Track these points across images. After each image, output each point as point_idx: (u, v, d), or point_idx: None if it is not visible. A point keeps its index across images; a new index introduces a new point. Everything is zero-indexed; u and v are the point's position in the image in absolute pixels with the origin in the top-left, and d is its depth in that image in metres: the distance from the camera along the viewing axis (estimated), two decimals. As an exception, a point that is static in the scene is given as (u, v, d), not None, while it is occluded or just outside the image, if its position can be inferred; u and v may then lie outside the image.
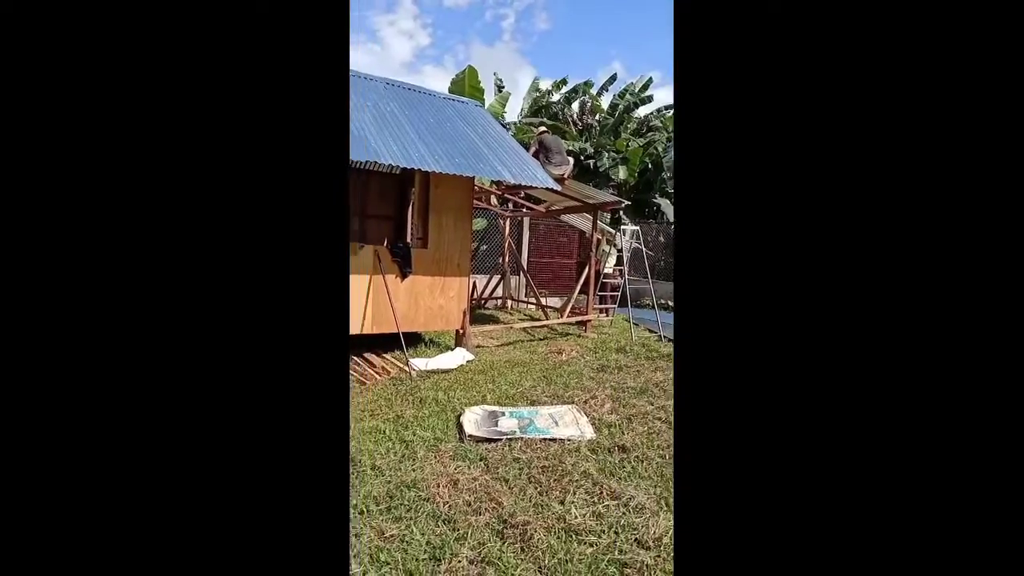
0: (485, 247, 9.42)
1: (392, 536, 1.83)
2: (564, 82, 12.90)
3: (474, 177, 4.87)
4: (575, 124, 12.97)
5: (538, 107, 12.78)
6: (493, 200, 8.89)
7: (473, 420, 2.98)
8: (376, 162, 4.01)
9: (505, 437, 2.74)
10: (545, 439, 2.76)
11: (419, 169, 4.18)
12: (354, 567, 1.67)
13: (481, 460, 2.50)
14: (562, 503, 2.10)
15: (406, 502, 2.06)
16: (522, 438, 2.75)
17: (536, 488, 2.23)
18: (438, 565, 1.69)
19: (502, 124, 8.27)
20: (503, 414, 3.11)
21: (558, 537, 1.86)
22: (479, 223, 8.96)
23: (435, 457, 2.51)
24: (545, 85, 13.13)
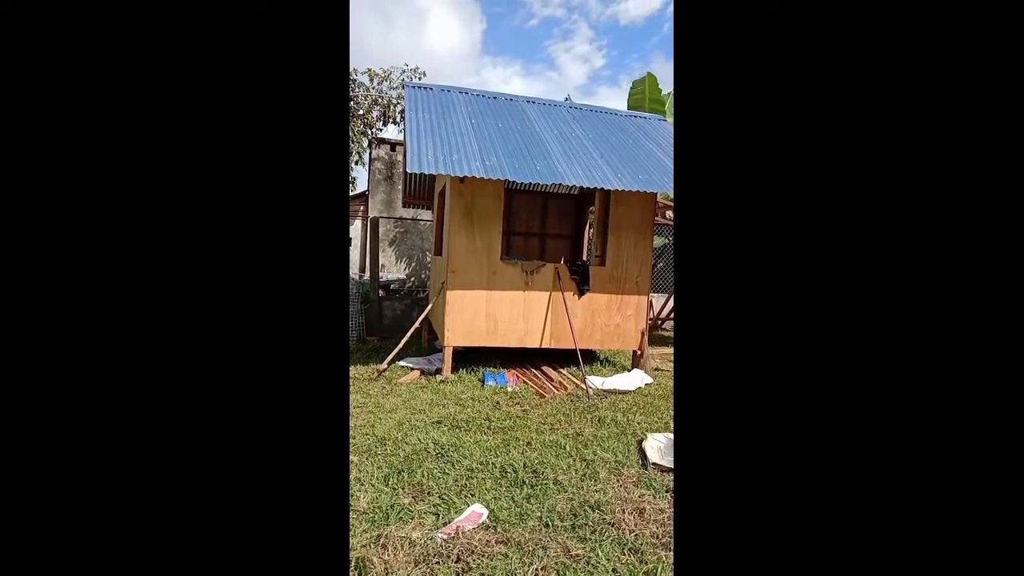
0: (661, 264, 9.01)
1: (578, 556, 1.81)
2: None
3: (656, 193, 4.71)
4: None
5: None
6: (669, 215, 8.48)
7: (656, 448, 2.82)
8: (558, 184, 4.15)
9: (693, 470, 2.53)
10: (741, 479, 2.46)
11: (600, 188, 4.20)
12: (542, 579, 1.69)
13: (667, 492, 2.34)
14: (767, 557, 1.84)
15: (590, 523, 2.02)
16: (713, 474, 2.50)
17: (733, 534, 1.99)
18: (626, 597, 1.61)
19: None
20: (690, 445, 2.88)
21: (765, 597, 1.62)
22: (659, 240, 8.63)
23: (617, 481, 2.43)
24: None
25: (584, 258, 6.86)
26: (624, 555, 1.83)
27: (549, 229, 7.34)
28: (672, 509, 2.17)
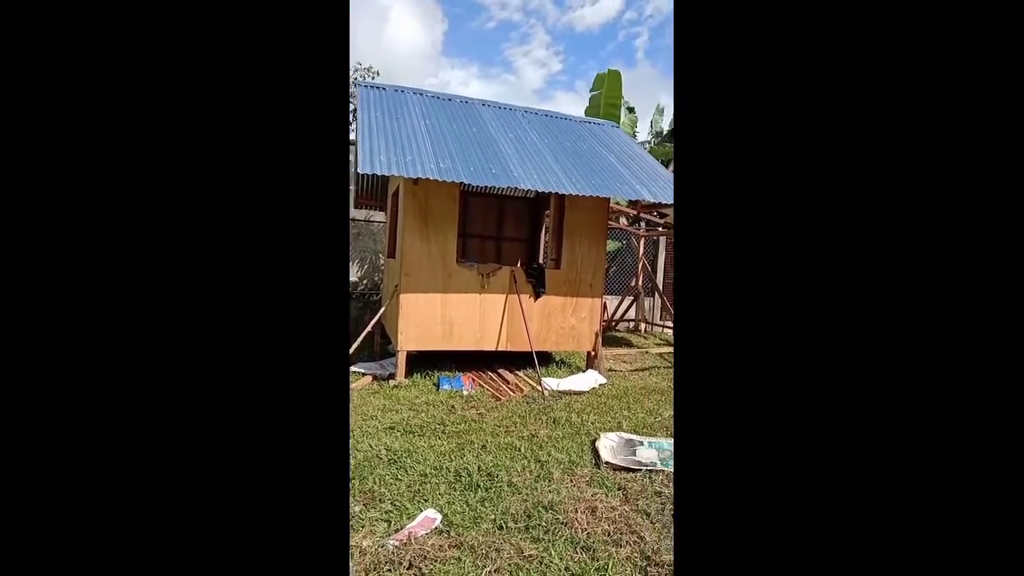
0: (614, 268, 9.23)
1: (531, 556, 1.81)
2: None
3: (609, 199, 4.82)
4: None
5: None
6: (622, 220, 8.70)
7: (609, 447, 2.88)
8: (514, 187, 4.18)
9: (644, 468, 2.59)
10: (689, 475, 2.55)
11: (555, 192, 4.26)
12: (495, 582, 1.69)
13: (619, 489, 2.39)
14: (712, 549, 1.90)
15: (543, 523, 2.03)
16: (663, 471, 2.58)
17: (681, 528, 2.06)
18: (578, 595, 1.63)
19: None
20: (641, 444, 2.95)
21: (710, 587, 1.68)
22: (612, 243, 8.82)
23: (571, 480, 2.46)
24: (659, 99, 12.60)
25: (540, 261, 6.92)
26: (577, 553, 1.85)
27: (505, 232, 7.37)
28: (623, 507, 2.22)
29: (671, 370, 5.42)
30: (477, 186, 5.23)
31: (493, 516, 2.08)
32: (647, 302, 8.63)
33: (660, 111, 12.70)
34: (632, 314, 8.47)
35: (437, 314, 4.41)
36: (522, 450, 2.84)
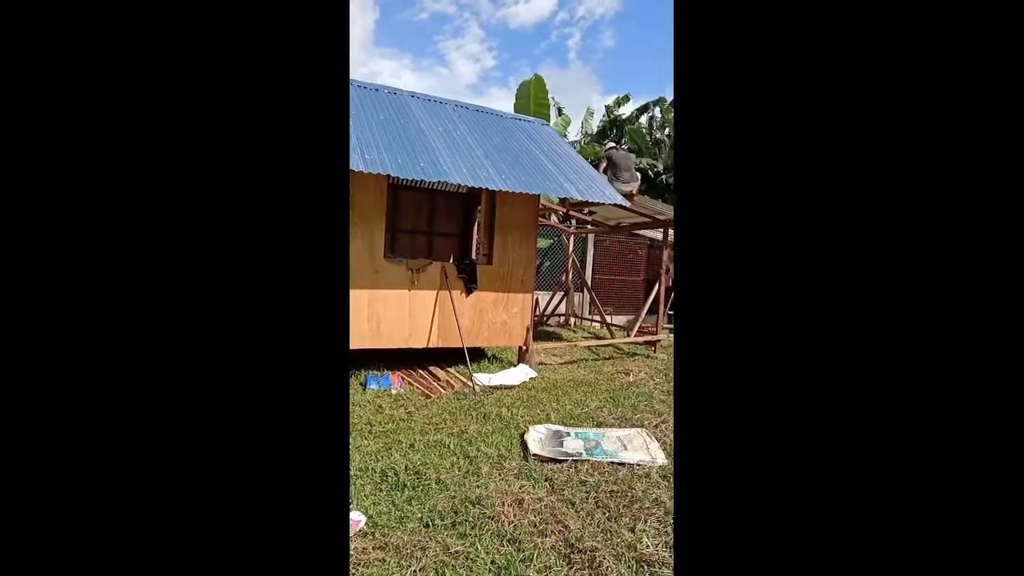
0: (548, 263, 9.40)
1: (457, 552, 1.80)
2: (627, 98, 12.77)
3: (539, 195, 4.89)
4: (645, 139, 12.75)
5: (607, 125, 12.72)
6: (553, 218, 8.88)
7: (537, 439, 2.92)
8: (445, 182, 4.13)
9: (571, 458, 2.66)
10: (613, 463, 2.65)
11: (486, 188, 4.25)
12: (419, 581, 1.66)
13: (546, 481, 2.43)
14: (632, 531, 1.99)
15: (471, 518, 2.03)
16: (588, 460, 2.65)
17: (604, 513, 2.13)
18: (503, 587, 1.64)
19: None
20: (568, 434, 3.03)
21: (628, 567, 1.76)
22: (544, 241, 8.96)
23: (499, 475, 2.47)
24: (607, 102, 13.08)
25: (472, 257, 6.89)
26: (503, 546, 1.86)
27: (437, 227, 7.27)
28: (549, 497, 2.26)
29: (598, 362, 5.60)
30: (408, 180, 5.10)
31: (420, 515, 2.05)
32: (576, 297, 8.87)
33: (591, 113, 13.07)
34: (563, 309, 8.66)
35: (364, 311, 4.27)
36: (451, 447, 2.82)
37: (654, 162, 11.80)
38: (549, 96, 10.22)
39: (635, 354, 6.21)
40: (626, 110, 12.86)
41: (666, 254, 6.67)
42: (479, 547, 1.83)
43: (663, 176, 11.67)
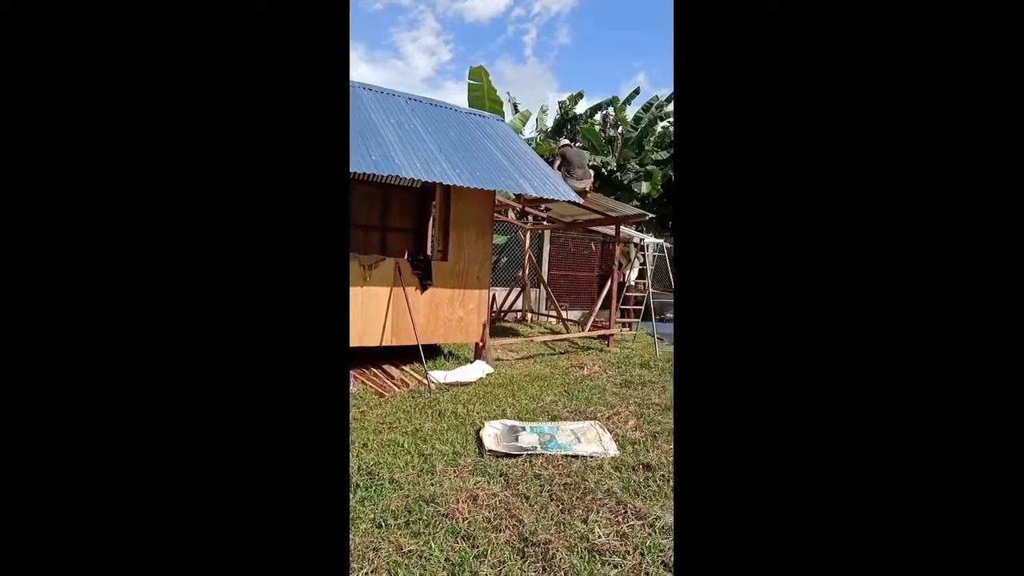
0: (506, 259, 9.42)
1: (410, 551, 1.78)
2: (580, 95, 12.94)
3: (495, 191, 4.88)
4: (599, 137, 12.98)
5: (562, 122, 12.85)
6: (510, 214, 8.90)
7: (493, 435, 2.93)
8: (398, 176, 4.05)
9: (526, 453, 2.68)
10: (567, 455, 2.69)
11: (440, 183, 4.20)
12: (371, 583, 1.63)
13: (501, 476, 2.44)
14: (585, 522, 2.03)
15: (425, 517, 2.01)
16: (543, 454, 2.69)
17: (558, 506, 2.16)
18: (457, 584, 1.64)
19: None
20: (523, 429, 3.05)
21: (581, 557, 1.79)
22: (500, 237, 8.97)
23: (454, 472, 2.46)
24: (561, 98, 13.20)
25: (428, 253, 6.81)
26: (457, 543, 1.85)
27: (391, 222, 7.14)
28: (504, 492, 2.27)
29: (554, 357, 5.68)
30: (360, 174, 4.97)
31: (372, 515, 2.01)
32: (533, 293, 8.94)
33: (544, 111, 13.15)
34: (520, 305, 8.71)
35: (315, 309, 4.13)
36: (405, 445, 2.78)
37: (607, 160, 12.03)
38: (501, 92, 10.22)
39: (589, 348, 6.33)
40: (580, 108, 13.03)
41: (618, 250, 6.82)
42: (433, 545, 1.82)
43: (616, 174, 11.92)
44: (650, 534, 1.95)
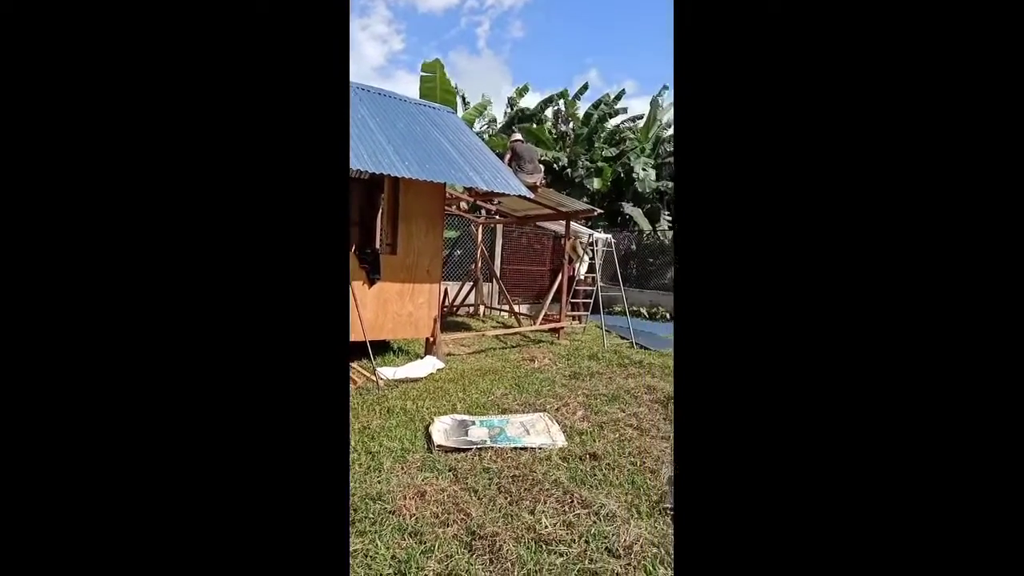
0: (459, 252, 9.35)
1: (356, 551, 1.75)
2: (526, 88, 12.98)
3: (445, 184, 4.83)
4: (550, 132, 13.07)
5: (512, 117, 12.85)
6: (463, 206, 8.85)
7: (442, 430, 2.91)
8: (344, 166, 3.92)
9: (475, 447, 2.69)
10: (516, 448, 2.72)
11: (388, 175, 4.11)
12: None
13: (450, 471, 2.43)
14: (532, 513, 2.06)
15: (371, 515, 1.98)
16: (492, 447, 2.70)
17: (506, 498, 2.18)
18: (403, 581, 1.62)
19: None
20: (473, 423, 3.05)
21: (527, 547, 1.82)
22: (452, 231, 8.89)
23: (402, 468, 2.43)
24: (509, 92, 13.19)
25: (376, 246, 6.66)
26: (404, 540, 1.83)
27: (338, 215, 6.90)
28: (452, 487, 2.27)
29: (506, 350, 5.70)
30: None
31: (315, 517, 1.95)
32: (486, 287, 8.93)
33: (487, 101, 13.04)
34: (472, 299, 8.69)
35: (255, 305, 3.95)
36: (352, 443, 2.71)
37: (559, 155, 12.16)
38: (452, 83, 10.10)
39: (540, 341, 6.41)
40: (530, 102, 13.07)
41: (568, 244, 6.92)
42: (379, 543, 1.79)
43: (568, 170, 12.07)
44: (595, 522, 2.01)
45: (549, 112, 13.33)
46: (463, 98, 12.27)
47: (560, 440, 2.86)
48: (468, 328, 7.07)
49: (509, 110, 13.08)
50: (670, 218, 11.75)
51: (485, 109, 11.95)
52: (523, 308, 8.56)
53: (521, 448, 2.72)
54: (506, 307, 8.19)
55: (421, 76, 10.03)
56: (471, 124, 11.35)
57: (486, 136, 11.67)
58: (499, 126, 12.94)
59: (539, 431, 2.97)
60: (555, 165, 11.94)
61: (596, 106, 12.77)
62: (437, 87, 9.84)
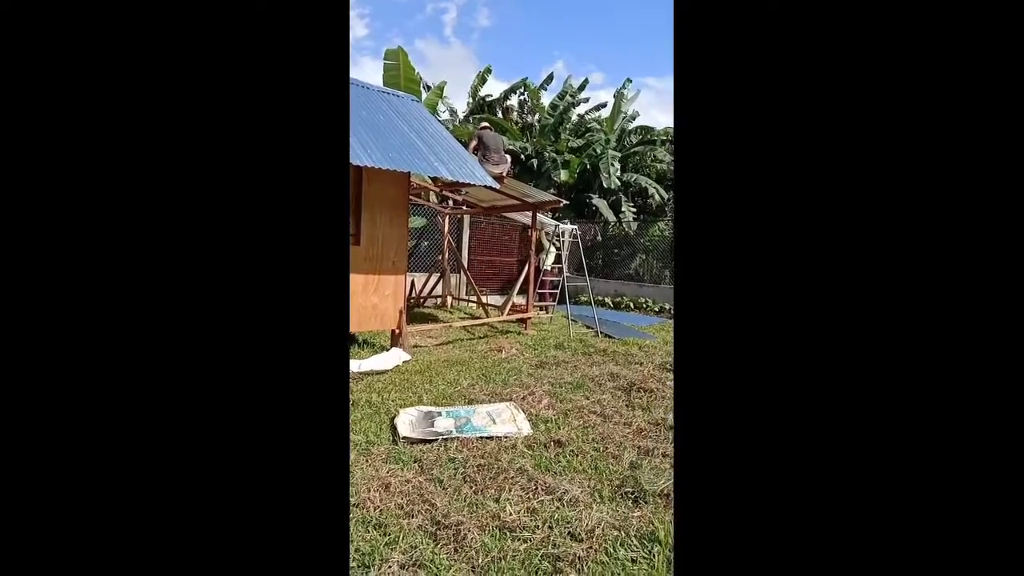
0: (427, 243, 9.26)
1: (317, 546, 1.73)
2: (489, 70, 12.87)
3: (410, 173, 4.76)
4: (516, 123, 13.03)
5: (476, 106, 12.73)
6: (432, 197, 8.75)
7: (408, 421, 2.90)
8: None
9: (441, 437, 2.69)
10: (482, 437, 2.73)
11: (350, 164, 4.01)
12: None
13: (415, 462, 2.43)
14: (497, 501, 2.09)
15: (334, 510, 1.96)
16: (458, 437, 2.71)
17: (471, 487, 2.20)
18: (367, 573, 1.62)
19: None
20: (439, 414, 3.05)
21: (492, 535, 1.84)
22: (418, 221, 8.78)
23: (366, 461, 2.41)
24: (471, 79, 13.04)
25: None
26: (368, 532, 1.83)
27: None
28: (417, 478, 2.27)
29: (473, 341, 5.71)
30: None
31: (276, 513, 1.92)
32: (453, 278, 8.89)
33: (441, 87, 12.82)
34: (440, 290, 8.63)
35: (211, 298, 3.81)
36: (315, 438, 2.67)
37: (525, 146, 12.15)
38: (416, 71, 9.90)
39: (508, 331, 6.44)
40: (494, 90, 12.96)
41: (534, 235, 6.95)
42: (342, 537, 1.78)
43: (533, 160, 12.08)
44: (558, 507, 2.05)
45: (514, 101, 13.27)
46: (426, 85, 12.06)
47: (526, 428, 2.89)
48: (435, 319, 7.04)
49: (472, 100, 12.95)
50: (635, 210, 11.94)
51: (443, 90, 11.73)
52: (491, 299, 8.57)
53: (487, 437, 2.74)
54: (474, 298, 8.17)
55: (384, 64, 9.80)
56: (433, 108, 11.15)
57: (451, 126, 11.52)
58: (461, 116, 12.80)
59: (505, 420, 3.00)
60: (521, 155, 11.92)
61: (561, 97, 12.79)
62: (401, 75, 9.64)
